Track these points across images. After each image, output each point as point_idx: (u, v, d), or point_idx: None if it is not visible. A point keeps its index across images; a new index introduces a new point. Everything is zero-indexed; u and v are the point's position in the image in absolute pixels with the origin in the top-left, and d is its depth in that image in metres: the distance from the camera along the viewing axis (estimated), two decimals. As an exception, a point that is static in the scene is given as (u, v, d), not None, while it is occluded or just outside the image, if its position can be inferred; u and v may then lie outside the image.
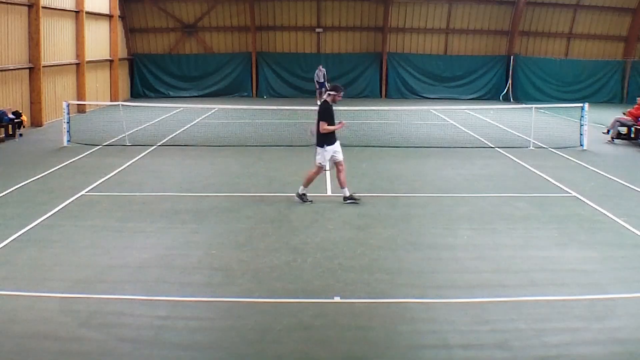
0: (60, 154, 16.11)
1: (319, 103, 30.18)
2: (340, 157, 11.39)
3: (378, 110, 24.72)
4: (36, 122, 21.45)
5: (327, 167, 11.45)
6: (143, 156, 15.95)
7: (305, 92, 31.97)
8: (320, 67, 29.63)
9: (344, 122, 11.42)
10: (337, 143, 11.40)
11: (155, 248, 8.88)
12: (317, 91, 29.50)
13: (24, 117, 19.71)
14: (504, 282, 7.74)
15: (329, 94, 11.31)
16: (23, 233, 9.42)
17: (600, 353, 5.98)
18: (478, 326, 6.52)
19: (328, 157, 11.29)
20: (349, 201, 11.34)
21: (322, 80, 29.36)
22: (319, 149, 11.31)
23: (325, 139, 11.22)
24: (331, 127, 11.21)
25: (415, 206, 11.33)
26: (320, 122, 11.13)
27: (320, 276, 7.86)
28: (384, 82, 33.00)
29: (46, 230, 9.67)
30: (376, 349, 6.08)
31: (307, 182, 11.42)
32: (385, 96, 32.82)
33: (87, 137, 18.37)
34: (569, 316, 6.76)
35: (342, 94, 11.36)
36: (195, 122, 22.77)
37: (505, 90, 32.47)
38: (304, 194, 11.38)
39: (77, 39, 25.23)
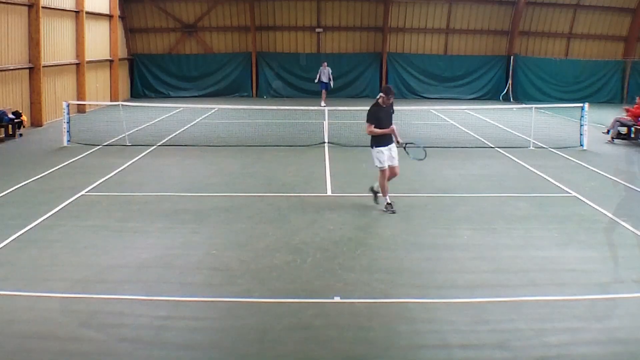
0: (60, 154, 16.11)
1: (323, 105, 29.80)
2: (393, 162, 10.89)
3: (378, 110, 24.66)
4: (36, 122, 21.44)
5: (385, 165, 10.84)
6: (143, 156, 15.95)
7: (306, 92, 31.98)
8: (325, 64, 29.16)
9: (394, 126, 10.82)
10: (392, 146, 10.90)
11: (155, 248, 8.88)
12: (322, 92, 28.96)
13: (24, 117, 19.71)
14: (504, 282, 7.75)
15: (380, 96, 10.81)
16: (23, 233, 9.42)
17: (600, 353, 5.98)
18: (478, 326, 6.52)
19: (385, 158, 10.77)
20: (386, 209, 10.81)
21: (326, 80, 28.81)
22: (371, 151, 10.97)
23: (375, 141, 10.86)
24: (377, 131, 10.68)
25: (415, 206, 11.33)
26: (366, 124, 10.77)
27: (320, 276, 7.86)
28: (384, 82, 32.91)
29: (46, 231, 9.67)
30: (376, 349, 6.08)
31: (382, 190, 10.85)
32: (386, 96, 32.73)
33: (87, 137, 18.37)
34: (569, 316, 6.76)
35: (391, 97, 10.71)
36: (195, 122, 22.77)
37: (506, 90, 32.43)
38: (389, 204, 10.77)
39: (77, 39, 25.21)
